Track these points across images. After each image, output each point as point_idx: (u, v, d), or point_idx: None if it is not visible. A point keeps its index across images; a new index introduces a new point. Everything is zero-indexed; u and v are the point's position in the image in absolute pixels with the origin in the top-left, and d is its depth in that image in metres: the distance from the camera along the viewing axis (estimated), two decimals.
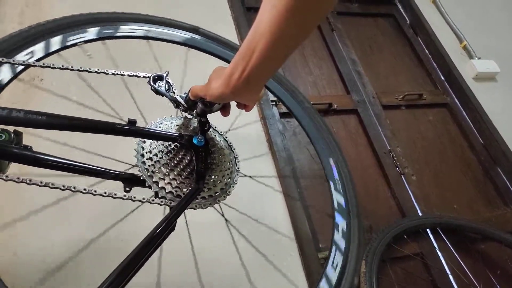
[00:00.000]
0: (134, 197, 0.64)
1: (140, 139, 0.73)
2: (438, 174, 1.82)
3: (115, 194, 0.63)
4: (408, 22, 2.40)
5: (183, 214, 0.67)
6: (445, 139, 1.98)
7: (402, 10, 2.45)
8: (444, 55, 2.19)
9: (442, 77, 2.19)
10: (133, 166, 0.71)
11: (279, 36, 0.46)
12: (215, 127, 0.84)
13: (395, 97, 2.00)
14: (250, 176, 0.96)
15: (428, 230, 1.56)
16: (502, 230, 1.57)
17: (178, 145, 0.73)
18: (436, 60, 2.24)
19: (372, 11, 2.37)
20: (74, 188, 0.60)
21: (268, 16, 0.45)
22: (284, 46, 0.48)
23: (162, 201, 0.67)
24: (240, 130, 1.21)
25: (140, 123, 0.71)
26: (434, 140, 1.95)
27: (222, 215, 0.88)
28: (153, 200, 0.67)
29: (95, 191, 0.61)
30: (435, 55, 2.24)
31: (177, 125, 0.77)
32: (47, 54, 0.78)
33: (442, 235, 1.55)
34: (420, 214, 1.61)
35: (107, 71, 0.79)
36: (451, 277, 1.47)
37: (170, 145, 0.73)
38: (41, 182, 0.59)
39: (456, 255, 1.53)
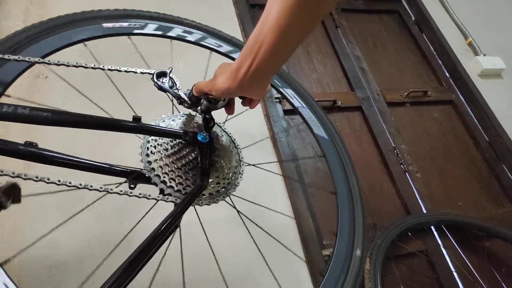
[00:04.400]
0: (140, 194, 0.64)
1: (145, 136, 0.73)
2: (443, 171, 1.81)
3: (120, 191, 0.63)
4: (413, 18, 2.39)
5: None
6: (450, 136, 1.96)
7: (406, 7, 2.44)
8: (449, 52, 2.18)
9: (447, 74, 2.18)
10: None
11: (286, 30, 0.47)
12: (220, 124, 0.84)
13: (400, 94, 1.99)
14: (254, 165, 0.96)
15: (432, 227, 1.55)
16: (507, 227, 1.56)
17: (183, 142, 0.73)
18: (441, 56, 2.22)
19: (376, 8, 2.35)
20: (70, 183, 0.60)
21: (276, 10, 0.46)
22: (291, 39, 0.49)
23: (167, 198, 0.67)
24: (243, 126, 1.21)
25: (144, 120, 0.71)
26: (439, 137, 1.94)
27: (236, 207, 0.88)
28: (158, 197, 0.67)
29: (100, 188, 0.62)
30: (440, 51, 2.23)
31: (181, 122, 0.77)
32: (52, 51, 0.78)
33: (447, 233, 1.55)
34: (425, 211, 1.60)
35: (112, 67, 0.79)
36: (455, 274, 1.47)
37: (174, 142, 0.73)
38: (37, 177, 0.58)
39: (461, 252, 1.52)
